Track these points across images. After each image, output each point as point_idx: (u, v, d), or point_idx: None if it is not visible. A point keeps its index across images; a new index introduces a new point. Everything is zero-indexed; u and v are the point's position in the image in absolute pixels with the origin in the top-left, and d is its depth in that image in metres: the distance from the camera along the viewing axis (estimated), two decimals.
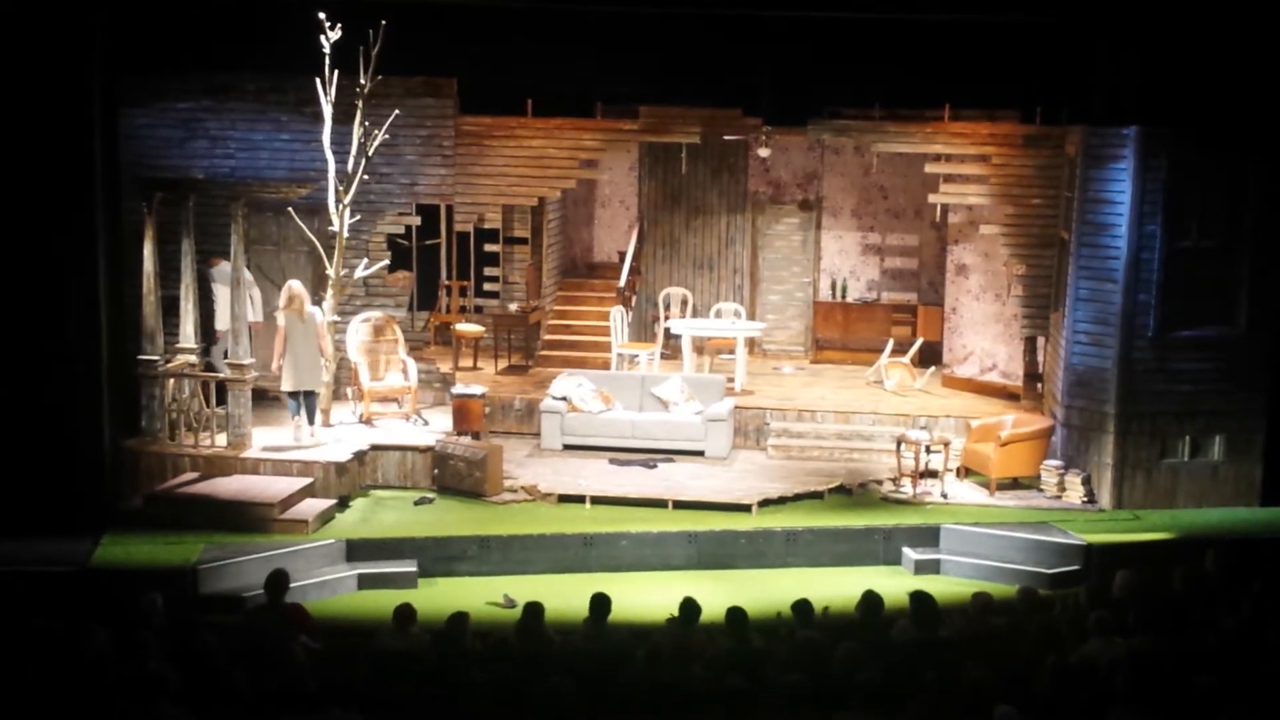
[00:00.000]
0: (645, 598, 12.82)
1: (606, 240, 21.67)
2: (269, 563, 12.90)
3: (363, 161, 15.94)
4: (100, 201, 14.35)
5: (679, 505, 15.05)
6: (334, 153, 15.88)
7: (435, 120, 17.55)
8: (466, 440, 15.83)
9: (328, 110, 15.72)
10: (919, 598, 10.23)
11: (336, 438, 15.74)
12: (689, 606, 10.23)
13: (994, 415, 16.61)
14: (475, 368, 18.99)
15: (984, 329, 18.73)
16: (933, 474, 15.85)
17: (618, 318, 18.93)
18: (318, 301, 16.76)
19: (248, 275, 15.78)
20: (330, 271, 16.19)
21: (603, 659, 9.36)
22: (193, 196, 15.38)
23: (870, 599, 10.26)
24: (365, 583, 13.52)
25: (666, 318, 20.03)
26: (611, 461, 16.35)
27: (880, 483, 15.98)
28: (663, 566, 14.14)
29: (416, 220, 18.10)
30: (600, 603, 10.30)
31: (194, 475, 14.81)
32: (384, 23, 15.31)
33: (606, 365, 18.76)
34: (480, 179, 17.83)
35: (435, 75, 17.40)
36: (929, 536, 14.61)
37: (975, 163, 17.29)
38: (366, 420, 16.44)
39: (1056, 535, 14.44)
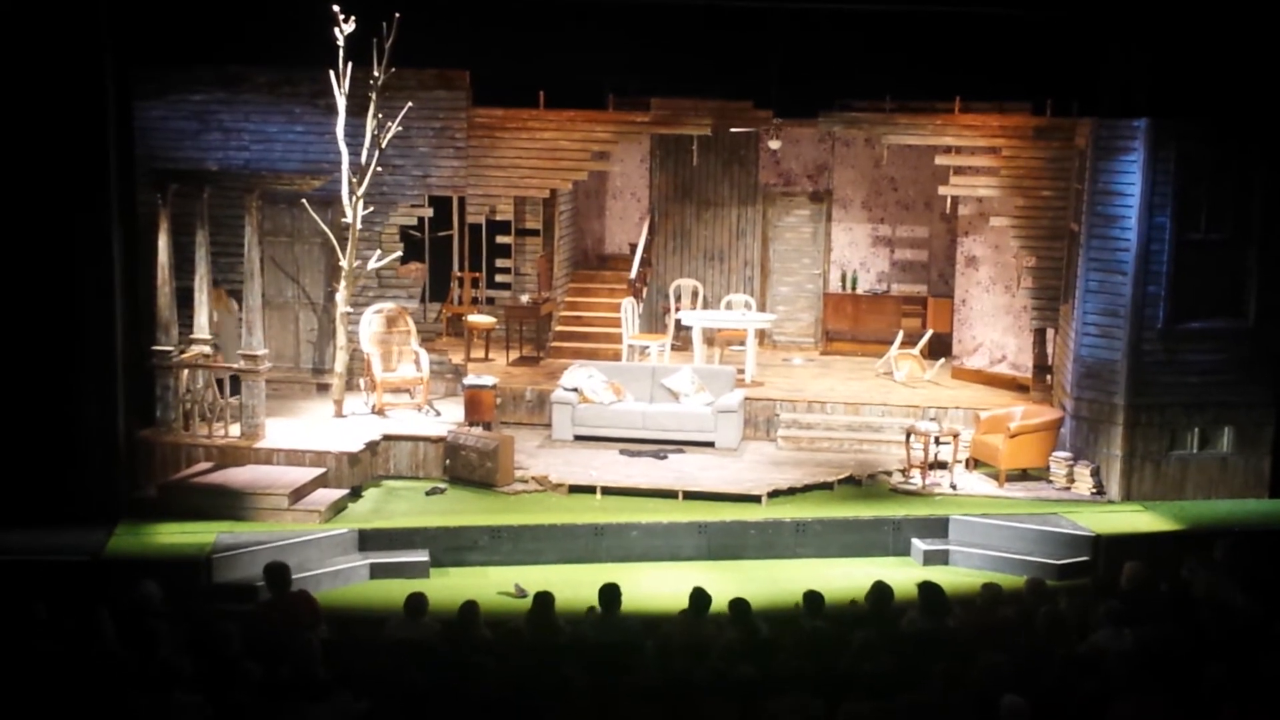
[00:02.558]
0: (655, 588, 12.92)
1: (618, 232, 21.72)
2: (282, 552, 13.01)
3: (376, 153, 16.01)
4: (115, 194, 14.40)
5: (689, 496, 15.12)
6: (347, 145, 15.94)
7: (448, 112, 17.59)
8: (478, 431, 15.91)
9: (341, 102, 15.78)
10: (927, 588, 10.29)
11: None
12: (698, 597, 10.29)
13: (1003, 407, 16.64)
14: (487, 359, 19.06)
15: (993, 321, 18.76)
16: (942, 465, 15.90)
17: (629, 309, 18.98)
18: (331, 293, 16.90)
19: None
20: (343, 263, 16.27)
21: (613, 649, 9.43)
22: (207, 188, 15.48)
23: (880, 590, 10.32)
24: (377, 572, 13.62)
25: (677, 309, 20.07)
26: (622, 452, 16.41)
27: (889, 474, 16.03)
28: (672, 557, 14.21)
29: (429, 212, 18.16)
30: (609, 593, 10.36)
31: (208, 465, 14.91)
32: (397, 15, 15.37)
33: (617, 356, 18.82)
34: (492, 171, 17.87)
35: (448, 67, 17.42)
36: (938, 527, 14.65)
37: (985, 155, 17.30)
38: (379, 411, 16.52)
39: (1065, 526, 14.48)
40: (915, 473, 15.78)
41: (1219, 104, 14.89)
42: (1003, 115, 17.34)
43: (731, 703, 8.39)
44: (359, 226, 16.23)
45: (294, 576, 12.73)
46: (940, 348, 19.25)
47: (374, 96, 15.81)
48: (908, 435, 15.95)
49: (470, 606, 10.07)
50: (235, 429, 15.22)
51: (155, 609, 10.18)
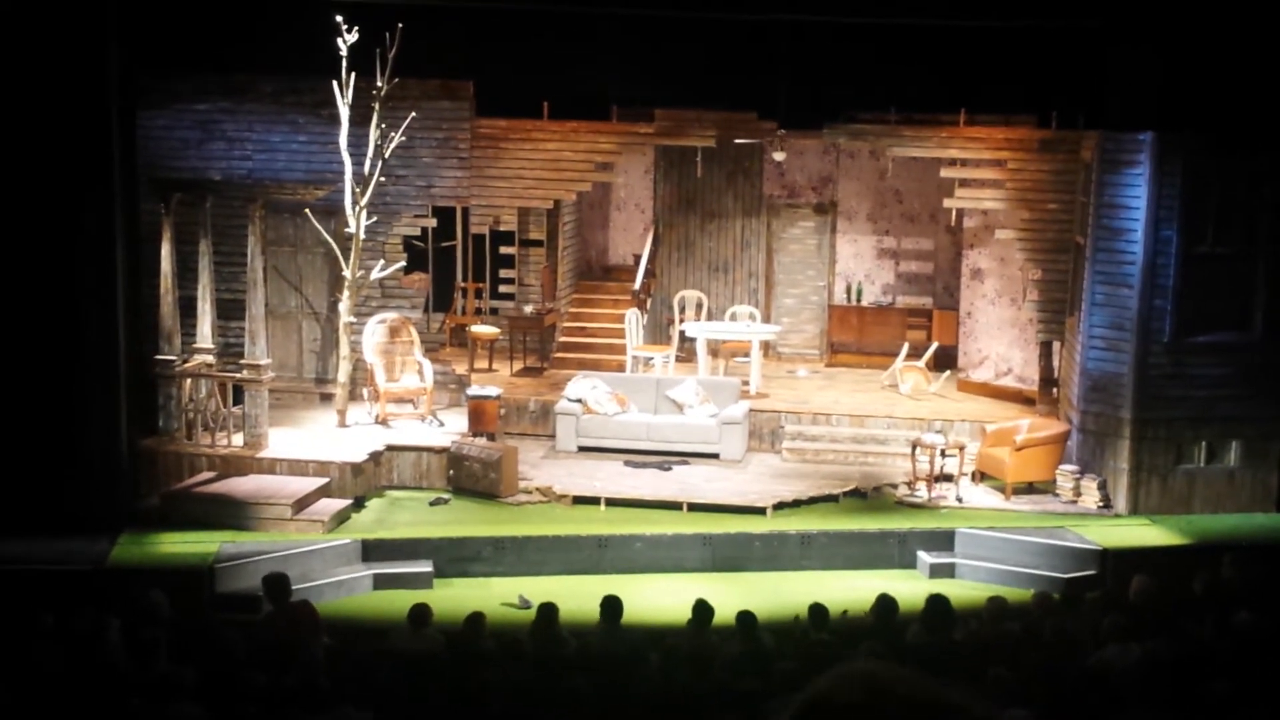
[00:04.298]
0: (659, 600, 12.85)
1: (622, 243, 21.68)
2: (285, 562, 12.96)
3: (379, 164, 15.99)
4: (118, 203, 14.38)
5: (693, 508, 15.06)
6: (351, 155, 15.93)
7: (451, 123, 17.58)
8: (482, 441, 15.86)
9: (344, 112, 15.77)
10: (934, 601, 10.23)
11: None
12: (701, 609, 10.24)
13: (1009, 420, 16.57)
14: (490, 369, 19.00)
15: (999, 333, 18.70)
16: (948, 478, 15.83)
17: (633, 320, 18.94)
18: (335, 303, 16.86)
19: None
20: (347, 273, 16.24)
21: (617, 661, 9.38)
22: (210, 198, 15.46)
23: (885, 602, 10.27)
24: (381, 583, 13.56)
25: (681, 320, 20.02)
26: (626, 463, 16.36)
27: (895, 486, 15.96)
28: (677, 569, 14.14)
29: (432, 222, 18.13)
30: (611, 605, 10.30)
31: (211, 475, 14.86)
32: (400, 25, 15.36)
33: (621, 367, 18.77)
34: (496, 181, 17.85)
35: (452, 78, 17.42)
36: (944, 540, 14.59)
37: (991, 167, 17.27)
38: (382, 421, 16.47)
39: (1072, 540, 14.42)
40: (921, 485, 15.72)
41: (1226, 117, 14.85)
42: (1008, 128, 17.30)
43: (735, 716, 8.33)
44: (362, 236, 16.21)
45: (297, 587, 12.69)
46: (946, 360, 19.18)
47: (377, 107, 15.80)
48: (913, 448, 15.90)
49: (474, 618, 10.03)
50: (238, 438, 15.18)
51: (161, 619, 10.14)
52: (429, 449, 15.81)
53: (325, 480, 14.79)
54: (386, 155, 16.02)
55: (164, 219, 15.23)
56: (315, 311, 17.80)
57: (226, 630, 9.89)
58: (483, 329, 19.04)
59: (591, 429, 16.75)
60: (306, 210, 16.58)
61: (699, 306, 20.29)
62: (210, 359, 15.46)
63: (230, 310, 16.62)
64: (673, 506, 15.08)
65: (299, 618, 10.65)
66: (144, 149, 16.35)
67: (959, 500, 15.53)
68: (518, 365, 19.29)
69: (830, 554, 14.40)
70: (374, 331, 17.00)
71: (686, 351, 19.71)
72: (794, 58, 16.70)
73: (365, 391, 17.09)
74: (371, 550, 13.93)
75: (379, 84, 15.67)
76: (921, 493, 15.64)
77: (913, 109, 17.68)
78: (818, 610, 10.19)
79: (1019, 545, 14.38)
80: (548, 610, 10.29)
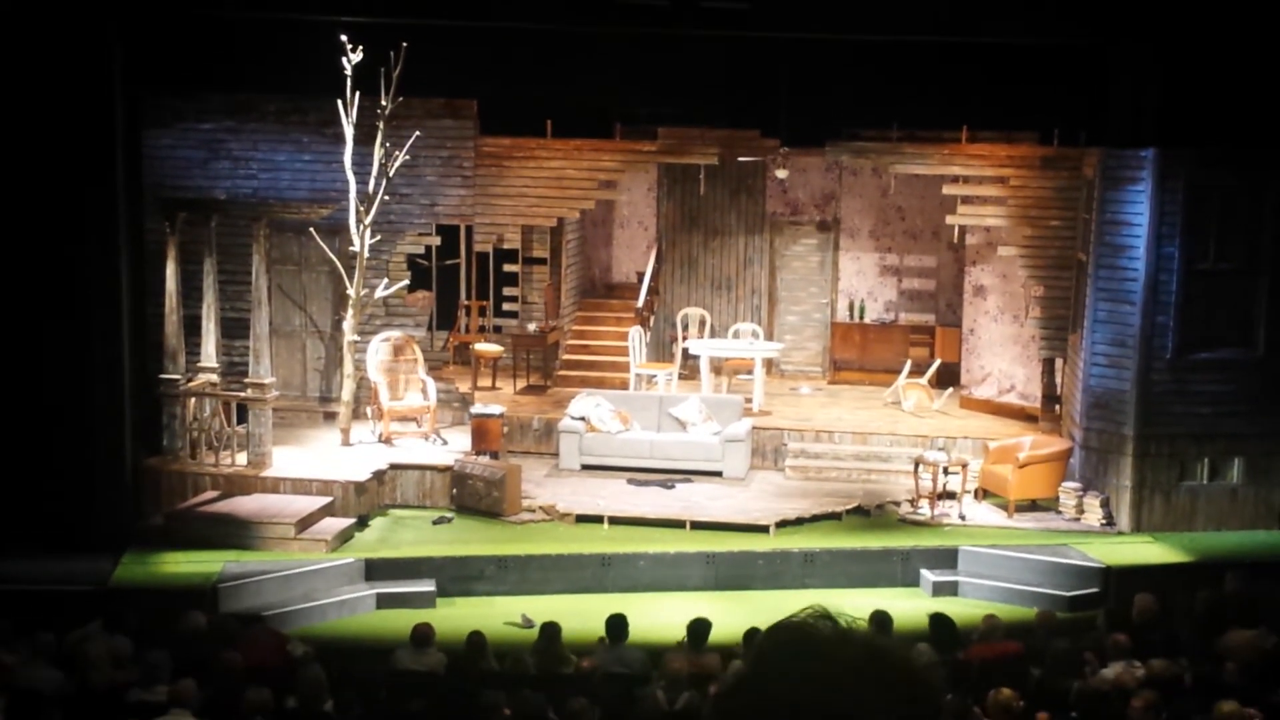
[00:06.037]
0: (662, 618, 12.85)
1: (625, 261, 21.71)
2: (289, 581, 12.99)
3: (383, 182, 16.03)
4: (123, 221, 14.44)
5: (696, 526, 15.06)
6: (355, 173, 15.97)
7: (455, 141, 17.61)
8: (485, 460, 15.86)
9: (349, 131, 15.82)
10: (938, 620, 10.23)
11: None
12: (695, 629, 10.23)
13: (1012, 437, 16.58)
14: (494, 387, 19.04)
15: (1002, 350, 18.71)
16: (951, 495, 15.83)
17: (636, 338, 18.96)
18: (339, 321, 16.88)
19: None
20: (351, 291, 16.27)
21: (622, 681, 9.38)
22: (215, 217, 15.50)
23: (879, 619, 10.26)
24: (384, 602, 13.57)
25: (684, 338, 20.04)
26: (629, 482, 16.36)
27: (898, 504, 15.96)
28: (680, 587, 14.14)
29: (436, 240, 18.16)
30: (616, 624, 10.30)
31: (214, 494, 14.88)
32: (405, 44, 15.42)
33: (625, 385, 18.79)
34: (500, 200, 17.87)
35: (455, 97, 17.46)
36: (947, 558, 14.59)
37: (993, 184, 17.28)
38: (386, 439, 16.49)
39: (1075, 557, 14.41)
40: (924, 503, 15.72)
41: (1228, 133, 14.88)
42: (1010, 145, 17.32)
43: None
44: (366, 255, 16.24)
45: (300, 606, 12.75)
46: (948, 377, 19.18)
47: (381, 125, 15.85)
48: (916, 465, 15.89)
49: (477, 637, 10.04)
50: (242, 457, 15.19)
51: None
52: (432, 467, 15.82)
53: (328, 499, 14.80)
54: (390, 174, 16.06)
55: (169, 238, 15.27)
56: (319, 330, 17.82)
57: (228, 650, 9.89)
58: (486, 347, 19.08)
59: (595, 447, 16.75)
60: (311, 229, 16.61)
61: (702, 324, 20.30)
62: (214, 378, 15.48)
63: (234, 329, 16.63)
64: (676, 525, 15.08)
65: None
66: (149, 168, 16.40)
67: (962, 518, 15.53)
68: (521, 383, 19.32)
69: (833, 572, 14.40)
70: (378, 350, 17.02)
71: (689, 369, 19.73)
72: (796, 75, 16.73)
73: (369, 410, 17.10)
74: (374, 569, 13.94)
75: (383, 103, 15.72)
76: (924, 510, 15.64)
77: (915, 126, 17.69)
78: None
79: (1022, 563, 14.37)
80: (551, 629, 10.30)
